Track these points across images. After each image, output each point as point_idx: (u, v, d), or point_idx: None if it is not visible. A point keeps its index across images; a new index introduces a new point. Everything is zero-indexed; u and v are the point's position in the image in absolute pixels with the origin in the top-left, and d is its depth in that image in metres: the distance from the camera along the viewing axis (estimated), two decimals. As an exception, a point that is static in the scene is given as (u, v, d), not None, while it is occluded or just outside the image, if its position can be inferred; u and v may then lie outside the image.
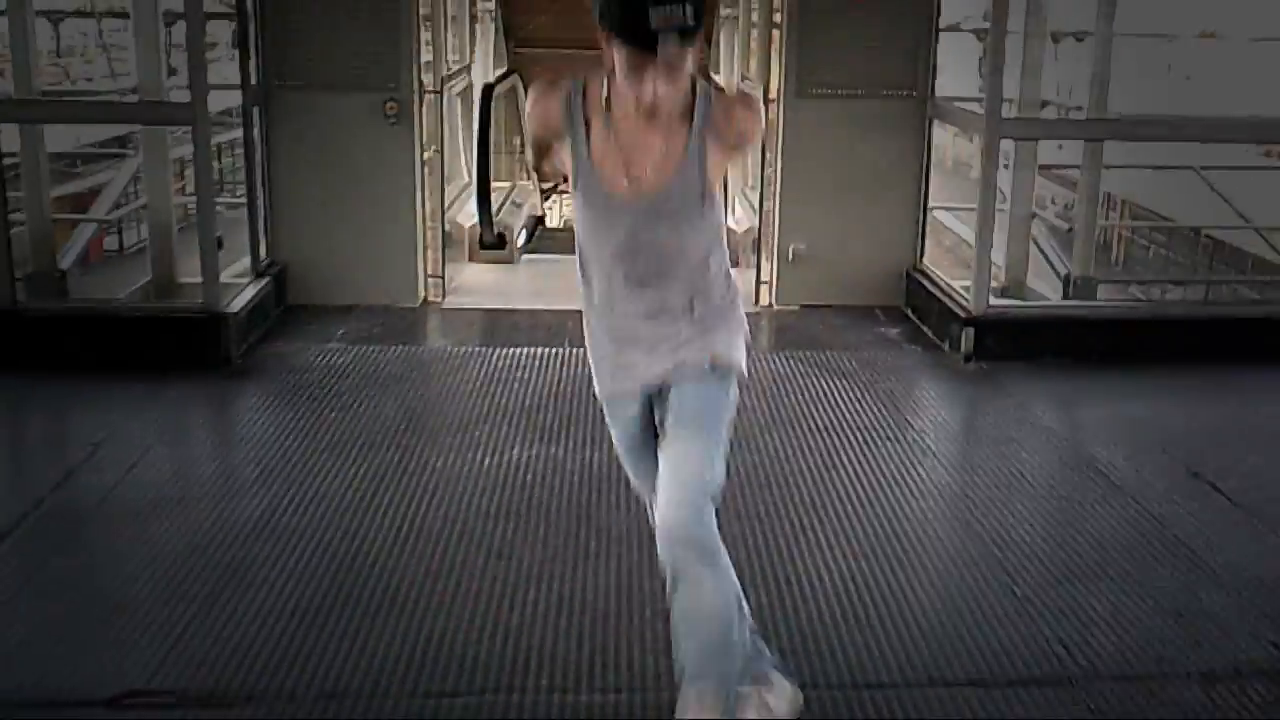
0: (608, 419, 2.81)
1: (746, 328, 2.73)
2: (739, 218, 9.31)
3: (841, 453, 4.65)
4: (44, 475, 4.33)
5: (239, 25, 6.21)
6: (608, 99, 2.50)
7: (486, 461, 4.45)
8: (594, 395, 2.80)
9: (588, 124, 2.53)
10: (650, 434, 2.71)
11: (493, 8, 11.96)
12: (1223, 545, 3.87)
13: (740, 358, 2.67)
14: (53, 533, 3.88)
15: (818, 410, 5.14)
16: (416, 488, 4.24)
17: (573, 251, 2.67)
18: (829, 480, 4.38)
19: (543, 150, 2.63)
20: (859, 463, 4.55)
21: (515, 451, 4.54)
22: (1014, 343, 5.83)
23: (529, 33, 12.11)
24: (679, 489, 2.49)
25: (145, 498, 4.09)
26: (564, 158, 2.58)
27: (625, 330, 2.64)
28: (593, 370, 2.76)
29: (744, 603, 2.57)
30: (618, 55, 2.37)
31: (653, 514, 2.60)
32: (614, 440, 2.83)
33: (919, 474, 4.55)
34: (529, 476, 4.30)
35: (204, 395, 5.26)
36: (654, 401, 2.67)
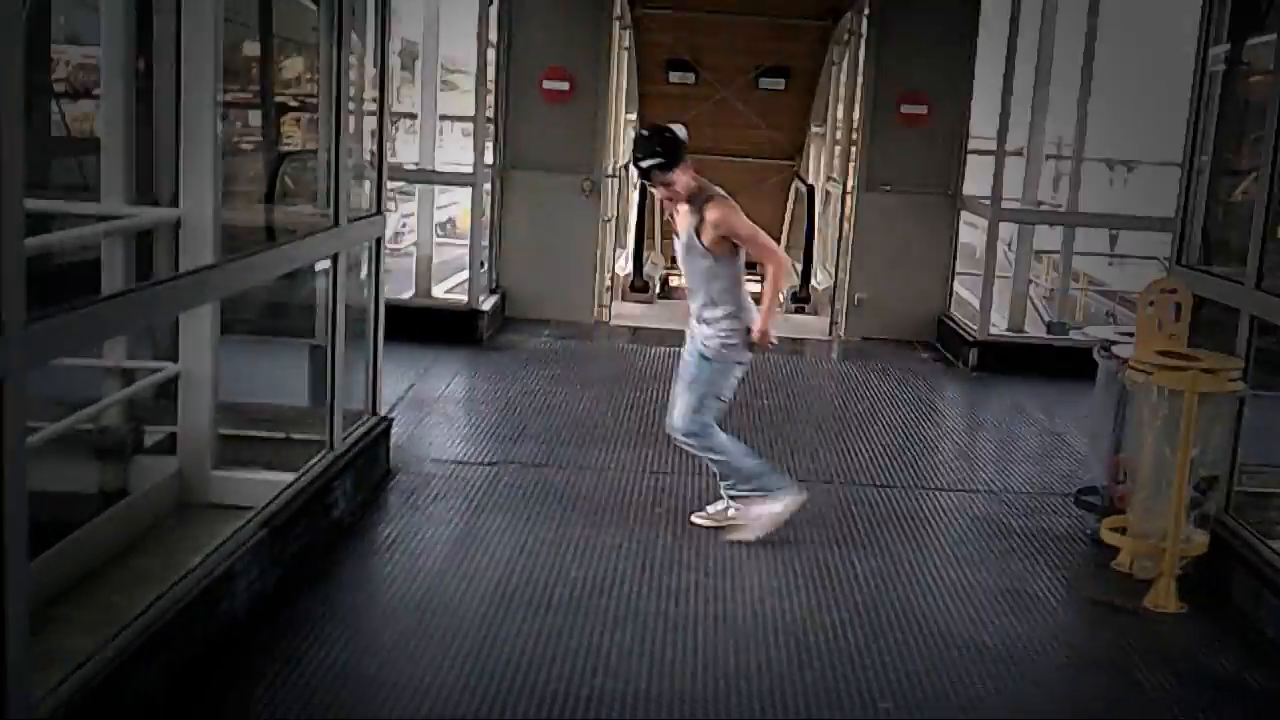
0: None
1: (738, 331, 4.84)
2: (820, 279, 12.16)
3: (885, 413, 7.45)
4: (401, 385, 7.22)
5: (495, 127, 9.26)
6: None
7: (630, 393, 7.36)
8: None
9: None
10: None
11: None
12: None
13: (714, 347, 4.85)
14: (416, 407, 6.80)
15: (874, 393, 7.94)
16: (595, 396, 7.15)
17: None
18: (884, 425, 7.16)
19: None
20: (898, 419, 7.33)
21: (639, 391, 7.33)
22: (1004, 361, 8.53)
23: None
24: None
25: (456, 397, 7.18)
26: None
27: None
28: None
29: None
30: None
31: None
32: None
33: (933, 425, 7.32)
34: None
35: (469, 357, 8.18)
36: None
